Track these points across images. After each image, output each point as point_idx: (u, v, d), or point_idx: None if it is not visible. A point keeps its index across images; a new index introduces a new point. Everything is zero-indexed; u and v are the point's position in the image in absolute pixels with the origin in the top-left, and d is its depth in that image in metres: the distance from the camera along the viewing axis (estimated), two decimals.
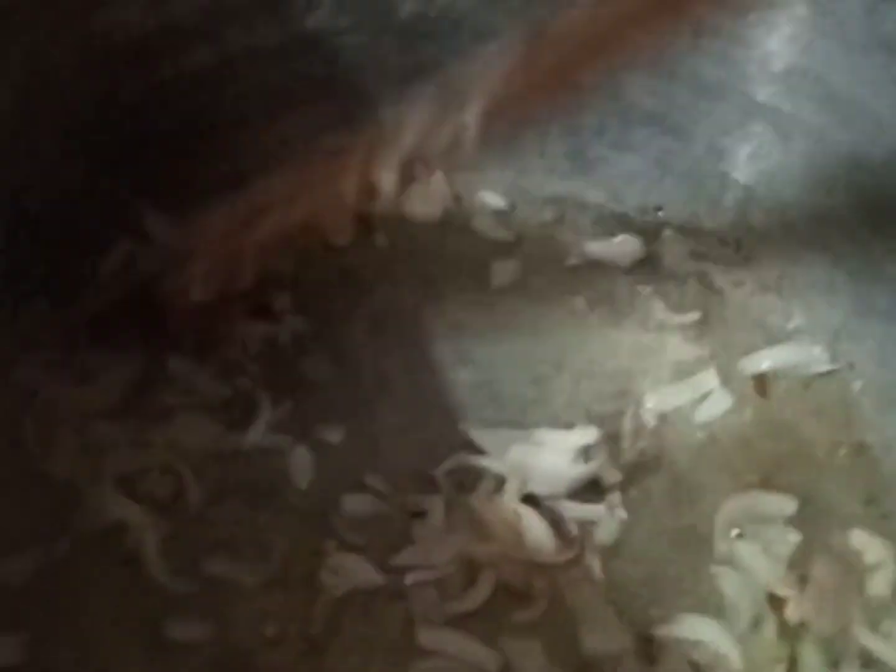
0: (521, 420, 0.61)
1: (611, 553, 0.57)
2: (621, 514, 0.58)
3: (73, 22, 0.58)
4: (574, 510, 0.58)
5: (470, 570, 0.56)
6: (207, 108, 0.65)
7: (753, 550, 0.58)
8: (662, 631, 0.54)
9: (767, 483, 0.60)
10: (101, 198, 0.62)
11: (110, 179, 0.62)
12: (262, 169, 0.67)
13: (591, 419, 0.61)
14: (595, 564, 0.56)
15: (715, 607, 0.56)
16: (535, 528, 0.57)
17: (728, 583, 0.56)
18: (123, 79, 0.61)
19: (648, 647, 0.54)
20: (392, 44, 0.65)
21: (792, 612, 0.55)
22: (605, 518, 0.58)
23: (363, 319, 0.65)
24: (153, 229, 0.65)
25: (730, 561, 0.57)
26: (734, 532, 0.58)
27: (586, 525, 0.58)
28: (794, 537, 0.58)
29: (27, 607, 0.52)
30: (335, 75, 0.65)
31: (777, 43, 0.63)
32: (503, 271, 0.68)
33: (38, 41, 0.56)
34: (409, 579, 0.55)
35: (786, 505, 0.59)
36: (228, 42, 0.64)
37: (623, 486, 0.59)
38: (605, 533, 0.58)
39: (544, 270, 0.68)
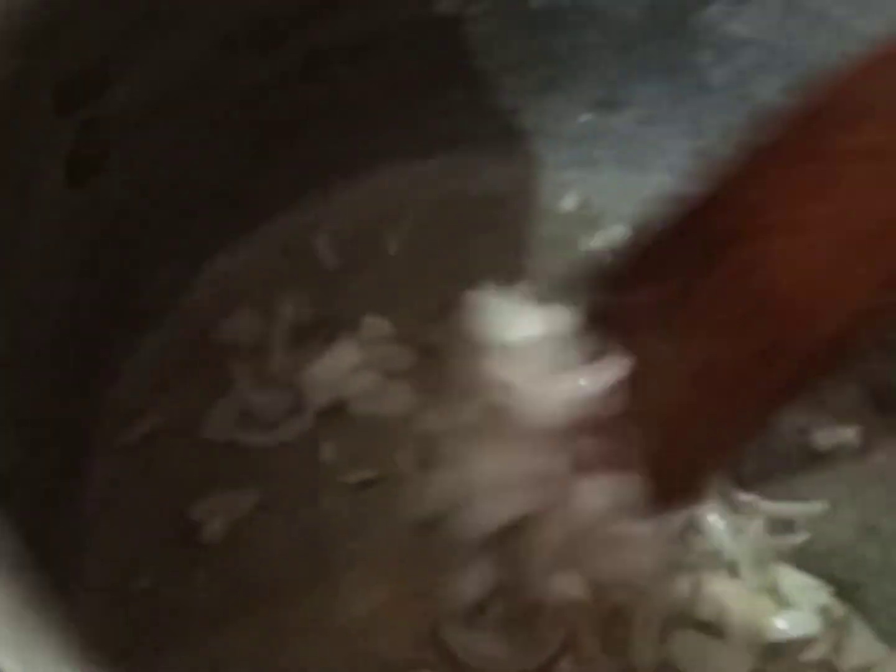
0: None
1: None
2: None
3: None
4: None
5: None
6: (326, 94, 0.64)
7: None
8: None
9: None
10: None
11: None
12: (382, 155, 0.67)
13: None
14: None
15: None
16: None
17: None
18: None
19: None
20: (521, 34, 0.63)
21: None
22: None
23: None
24: None
25: None
26: None
27: None
28: None
29: None
30: (460, 63, 0.64)
31: None
32: None
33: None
34: None
35: None
36: (348, 26, 0.62)
37: None
38: None
39: None
